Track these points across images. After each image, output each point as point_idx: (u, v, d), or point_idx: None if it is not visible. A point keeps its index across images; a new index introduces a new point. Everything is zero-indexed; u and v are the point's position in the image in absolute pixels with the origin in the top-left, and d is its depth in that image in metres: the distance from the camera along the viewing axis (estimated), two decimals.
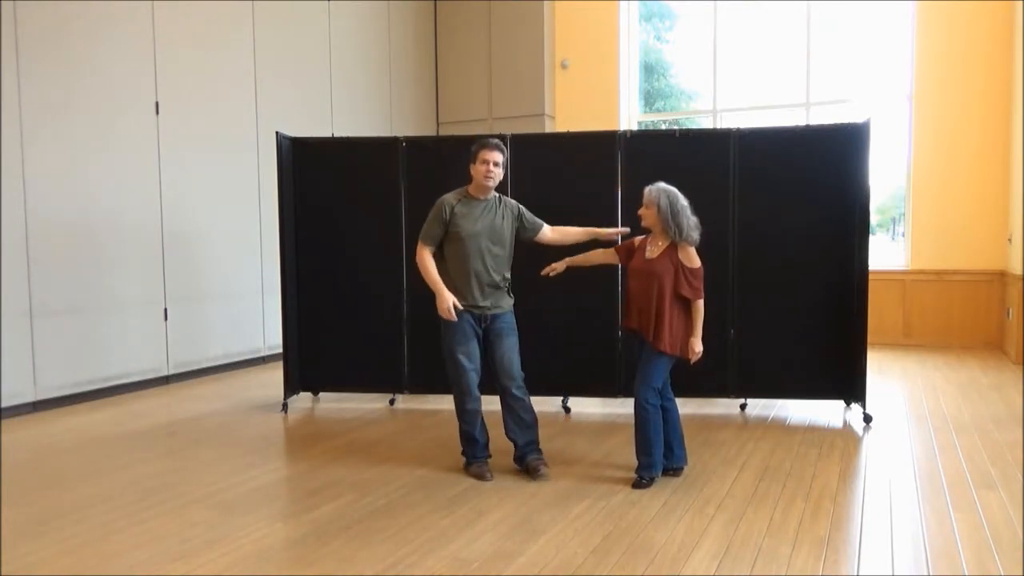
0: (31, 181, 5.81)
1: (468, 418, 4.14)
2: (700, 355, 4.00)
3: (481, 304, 4.08)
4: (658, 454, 3.99)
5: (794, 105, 9.40)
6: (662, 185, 4.00)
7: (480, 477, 4.10)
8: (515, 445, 4.20)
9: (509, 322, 4.18)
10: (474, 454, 4.20)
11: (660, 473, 4.02)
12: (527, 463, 4.16)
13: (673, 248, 3.96)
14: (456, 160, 5.68)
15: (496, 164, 4.04)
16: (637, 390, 3.98)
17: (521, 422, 4.16)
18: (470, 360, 4.08)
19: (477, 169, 4.06)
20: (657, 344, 3.90)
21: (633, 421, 4.01)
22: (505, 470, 4.22)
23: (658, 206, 3.93)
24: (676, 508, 3.64)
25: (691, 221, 3.93)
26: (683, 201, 3.95)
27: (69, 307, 6.08)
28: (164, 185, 6.86)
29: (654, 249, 4.01)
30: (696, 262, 3.96)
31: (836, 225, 5.34)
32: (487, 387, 4.20)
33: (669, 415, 4.07)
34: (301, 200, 5.86)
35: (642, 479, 3.95)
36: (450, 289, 4.05)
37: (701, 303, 3.96)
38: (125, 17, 6.48)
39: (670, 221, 3.90)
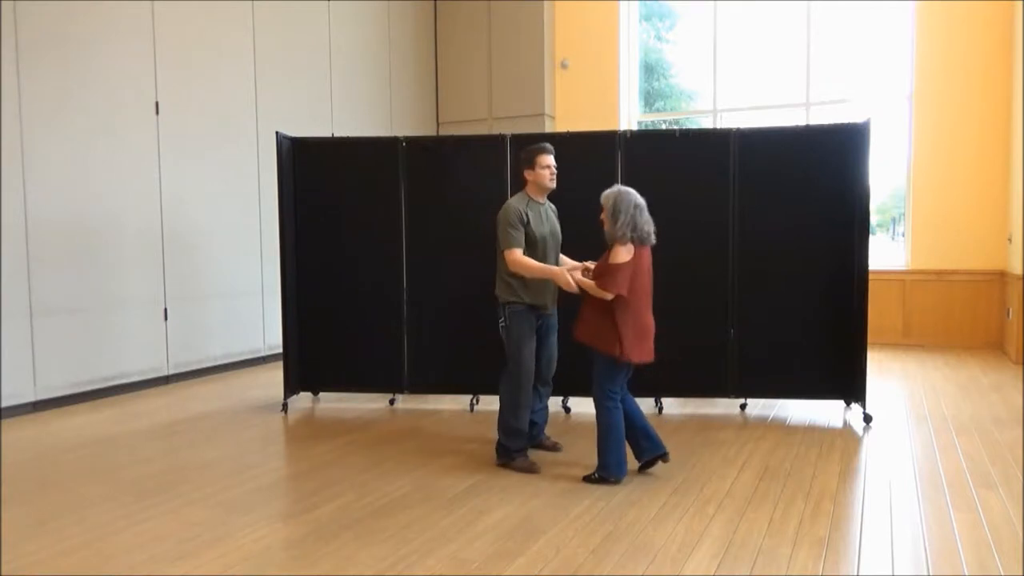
0: (31, 181, 5.81)
1: (526, 403, 4.25)
2: (572, 286, 3.95)
3: (548, 303, 4.31)
4: (620, 454, 3.99)
5: (794, 105, 9.40)
6: (615, 188, 3.99)
7: (530, 470, 4.20)
8: (535, 426, 4.49)
9: (555, 318, 4.44)
10: (520, 447, 4.29)
11: (625, 474, 4.00)
12: (542, 441, 4.59)
13: (610, 249, 3.93)
14: (456, 160, 5.71)
15: (555, 167, 4.30)
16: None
17: (545, 408, 4.58)
18: (532, 354, 4.29)
19: (539, 174, 4.26)
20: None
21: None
22: (504, 470, 4.24)
23: (605, 209, 3.93)
24: (676, 508, 3.64)
25: (627, 219, 3.82)
26: (630, 201, 3.85)
27: (69, 307, 6.08)
28: (164, 185, 6.86)
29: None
30: (618, 258, 3.84)
31: (836, 225, 5.33)
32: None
33: (627, 408, 4.10)
34: (301, 200, 5.86)
35: (598, 477, 4.00)
36: (526, 291, 4.21)
37: (601, 290, 3.85)
38: (125, 17, 6.48)
39: (610, 222, 3.90)
